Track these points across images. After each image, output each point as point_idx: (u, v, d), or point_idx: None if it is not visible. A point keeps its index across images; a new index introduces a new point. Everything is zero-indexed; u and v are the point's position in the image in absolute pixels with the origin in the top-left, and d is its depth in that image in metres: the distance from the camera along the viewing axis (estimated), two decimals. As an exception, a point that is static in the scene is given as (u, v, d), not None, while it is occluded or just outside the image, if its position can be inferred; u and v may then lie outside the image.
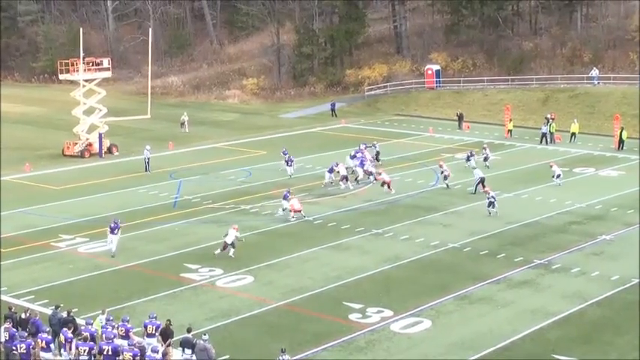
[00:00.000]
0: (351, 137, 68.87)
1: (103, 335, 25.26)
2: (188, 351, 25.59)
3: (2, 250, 38.69)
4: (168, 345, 25.95)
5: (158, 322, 26.70)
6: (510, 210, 45.51)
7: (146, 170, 54.75)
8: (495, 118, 75.89)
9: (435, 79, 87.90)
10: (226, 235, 37.36)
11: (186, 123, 73.51)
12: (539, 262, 37.11)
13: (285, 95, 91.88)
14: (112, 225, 37.93)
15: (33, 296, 32.60)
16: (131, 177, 53.88)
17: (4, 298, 32.13)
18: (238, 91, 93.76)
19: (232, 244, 37.12)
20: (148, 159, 55.25)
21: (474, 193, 48.53)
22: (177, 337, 26.52)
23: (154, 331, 26.50)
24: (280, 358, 24.50)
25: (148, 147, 55.95)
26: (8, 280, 34.52)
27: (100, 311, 27.96)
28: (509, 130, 69.67)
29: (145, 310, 30.22)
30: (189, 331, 26.25)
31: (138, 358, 24.29)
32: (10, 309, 27.87)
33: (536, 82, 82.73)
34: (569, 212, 45.13)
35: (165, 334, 26.48)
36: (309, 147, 64.48)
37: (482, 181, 49.07)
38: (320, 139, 69.02)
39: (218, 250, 37.13)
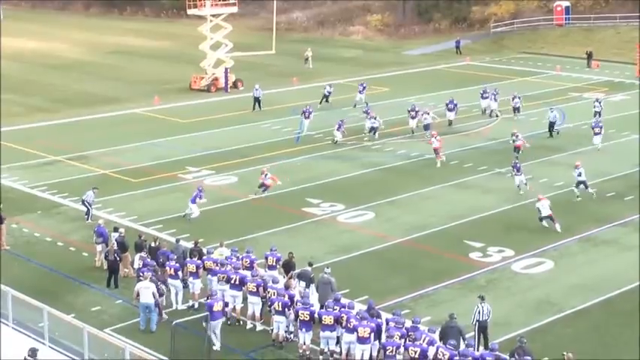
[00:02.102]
0: (475, 75, 67.91)
1: (229, 265, 25.90)
2: (303, 283, 26.02)
3: (133, 180, 40.03)
4: (290, 277, 26.45)
5: (279, 255, 27.21)
6: (638, 152, 44.17)
7: (258, 108, 54.74)
8: (627, 56, 73.18)
9: (564, 16, 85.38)
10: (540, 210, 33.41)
11: (310, 59, 73.78)
12: (669, 205, 36.05)
13: (409, 32, 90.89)
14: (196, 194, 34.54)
15: (161, 225, 33.70)
16: (255, 111, 54.51)
17: (136, 226, 33.32)
18: (362, 27, 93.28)
19: (550, 218, 33.13)
20: (257, 97, 55.06)
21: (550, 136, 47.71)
22: (298, 270, 27.03)
23: (274, 263, 27.05)
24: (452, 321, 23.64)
25: (257, 86, 55.90)
26: (139, 210, 35.79)
27: (218, 243, 28.53)
28: (641, 70, 67.24)
29: (267, 242, 30.85)
30: (310, 265, 26.68)
31: (261, 288, 24.90)
32: (139, 237, 28.91)
33: (672, 19, 79.27)
34: (703, 155, 43.53)
35: (288, 267, 27.00)
36: (433, 85, 63.91)
37: (550, 126, 47.86)
38: (444, 77, 68.25)
39: (557, 225, 33.12)
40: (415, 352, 21.45)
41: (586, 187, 36.75)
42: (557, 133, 47.78)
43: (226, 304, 25.08)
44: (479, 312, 23.70)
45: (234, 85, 63.14)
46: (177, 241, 28.89)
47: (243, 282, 25.27)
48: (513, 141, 43.00)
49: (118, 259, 27.99)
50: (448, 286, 28.38)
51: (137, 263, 27.06)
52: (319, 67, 72.51)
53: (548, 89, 61.90)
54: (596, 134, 44.54)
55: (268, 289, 24.84)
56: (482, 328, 23.67)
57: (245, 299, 25.45)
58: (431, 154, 43.51)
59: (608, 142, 45.79)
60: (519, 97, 52.89)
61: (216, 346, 23.78)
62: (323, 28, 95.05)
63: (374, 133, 46.76)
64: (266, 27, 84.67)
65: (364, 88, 56.67)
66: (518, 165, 37.90)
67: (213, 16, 64.09)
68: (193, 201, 34.27)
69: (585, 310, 26.61)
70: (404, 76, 68.92)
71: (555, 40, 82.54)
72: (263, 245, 30.35)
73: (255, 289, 24.97)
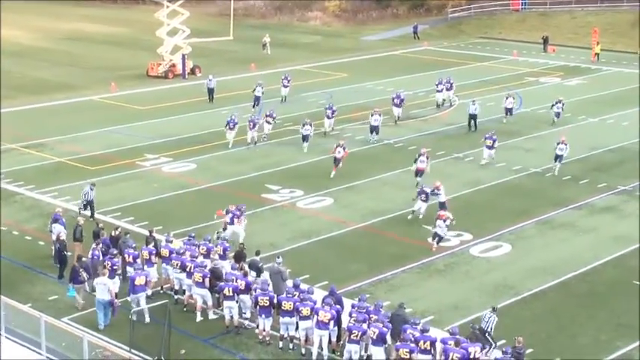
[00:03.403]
0: (433, 60, 68.22)
1: (187, 253, 25.79)
2: (253, 273, 25.87)
3: (90, 167, 39.68)
4: (241, 268, 26.22)
5: (227, 245, 26.88)
6: (595, 135, 44.77)
7: (210, 100, 53.34)
8: (582, 41, 74.11)
9: (520, 1, 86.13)
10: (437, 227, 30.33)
11: (268, 44, 73.55)
12: (623, 188, 36.60)
13: (367, 17, 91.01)
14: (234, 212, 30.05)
15: (119, 213, 33.42)
16: (214, 98, 54.16)
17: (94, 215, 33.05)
18: (320, 13, 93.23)
19: (440, 238, 30.30)
20: (211, 88, 53.45)
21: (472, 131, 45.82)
22: (248, 260, 26.87)
23: (222, 252, 26.67)
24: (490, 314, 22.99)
25: (210, 77, 54.57)
26: (96, 197, 35.38)
27: (166, 234, 27.84)
28: (596, 54, 68.05)
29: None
30: (257, 254, 26.50)
31: (207, 279, 24.64)
32: (97, 225, 28.62)
33: (626, 4, 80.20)
34: (657, 138, 44.22)
35: (239, 257, 26.75)
36: (391, 70, 64.10)
37: (472, 118, 45.71)
38: (402, 62, 68.46)
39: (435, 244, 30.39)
40: (374, 333, 21.59)
41: (442, 207, 32.27)
42: (475, 129, 45.56)
43: (179, 291, 25.42)
44: (484, 319, 22.80)
45: (192, 72, 62.77)
46: (126, 233, 28.51)
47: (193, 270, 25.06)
48: (415, 161, 36.92)
49: (61, 249, 27.44)
50: (407, 270, 28.50)
51: (90, 253, 26.75)
52: (277, 53, 72.32)
53: (505, 74, 62.36)
54: (488, 147, 39.61)
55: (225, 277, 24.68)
56: (483, 333, 22.70)
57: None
58: (389, 138, 43.62)
59: (564, 126, 46.23)
60: (513, 98, 49.25)
61: (147, 319, 24.02)
62: (281, 14, 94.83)
63: (306, 142, 41.94)
64: (223, 13, 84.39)
65: (289, 81, 53.32)
66: (427, 191, 33.11)
67: (169, 1, 63.57)
68: (231, 222, 29.72)
69: (542, 293, 26.92)
70: (362, 61, 69.02)
71: (512, 25, 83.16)
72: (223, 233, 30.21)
73: (200, 280, 24.70)
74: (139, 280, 24.46)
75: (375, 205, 34.75)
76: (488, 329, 22.56)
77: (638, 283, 27.42)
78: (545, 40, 73.19)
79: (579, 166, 39.48)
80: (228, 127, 42.65)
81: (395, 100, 47.40)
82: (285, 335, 23.28)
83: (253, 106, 50.24)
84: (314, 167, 39.76)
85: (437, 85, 51.62)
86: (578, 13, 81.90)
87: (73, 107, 52.89)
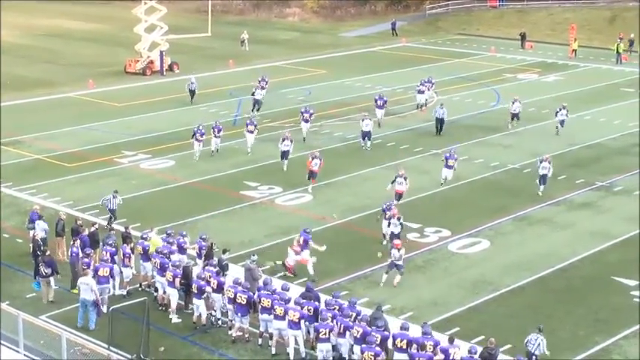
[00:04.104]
0: (411, 57, 68.31)
1: (166, 250, 25.68)
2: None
3: (67, 164, 39.49)
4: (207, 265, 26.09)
5: (203, 243, 26.78)
6: (573, 131, 44.97)
7: (191, 101, 51.95)
8: (560, 37, 74.45)
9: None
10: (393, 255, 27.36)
11: (246, 41, 73.41)
12: (600, 184, 36.85)
13: (346, 14, 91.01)
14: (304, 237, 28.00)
15: (97, 210, 33.22)
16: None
17: (71, 211, 32.83)
18: (298, 9, 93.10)
19: (398, 268, 27.25)
20: (192, 90, 52.16)
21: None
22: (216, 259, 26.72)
23: (198, 251, 26.76)
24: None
25: (192, 79, 53.16)
26: (73, 195, 35.28)
27: (149, 229, 27.89)
28: (573, 50, 68.43)
29: (205, 226, 30.79)
30: (224, 252, 26.31)
31: (178, 279, 24.53)
32: (75, 221, 28.50)
33: (603, 1, 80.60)
34: (633, 134, 44.58)
35: (207, 256, 26.61)
36: (368, 66, 64.14)
37: (439, 122, 44.42)
38: (380, 59, 68.50)
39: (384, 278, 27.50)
40: (358, 333, 21.52)
41: (395, 237, 28.90)
42: (441, 131, 44.24)
43: (155, 288, 25.55)
44: (530, 342, 21.57)
45: (170, 68, 62.53)
46: (111, 229, 28.37)
47: (164, 269, 24.98)
48: (392, 182, 33.72)
49: (35, 249, 27.24)
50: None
51: (69, 250, 26.61)
52: (255, 49, 72.18)
53: (483, 70, 62.55)
54: (448, 167, 36.20)
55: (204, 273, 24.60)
56: (529, 357, 21.67)
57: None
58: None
59: (543, 122, 46.45)
60: (520, 102, 46.00)
61: (103, 309, 24.11)
62: (259, 10, 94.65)
63: (285, 159, 38.57)
64: (201, 9, 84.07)
65: (267, 83, 50.99)
66: (392, 206, 30.50)
67: (147, -2, 63.36)
68: (305, 247, 27.84)
69: (520, 289, 27.05)
70: (340, 58, 69.03)
71: (490, 21, 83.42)
72: (202, 229, 30.18)
73: (171, 279, 24.56)
74: (103, 272, 24.61)
75: (353, 201, 34.78)
76: (536, 352, 21.48)
77: (615, 278, 27.62)
78: (523, 37, 73.46)
79: (557, 162, 39.55)
80: (195, 138, 40.11)
81: (378, 102, 45.91)
82: (265, 332, 23.25)
83: (244, 109, 49.58)
84: (293, 164, 39.63)
85: (418, 85, 49.91)
86: (555, 9, 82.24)
87: (51, 104, 52.56)
